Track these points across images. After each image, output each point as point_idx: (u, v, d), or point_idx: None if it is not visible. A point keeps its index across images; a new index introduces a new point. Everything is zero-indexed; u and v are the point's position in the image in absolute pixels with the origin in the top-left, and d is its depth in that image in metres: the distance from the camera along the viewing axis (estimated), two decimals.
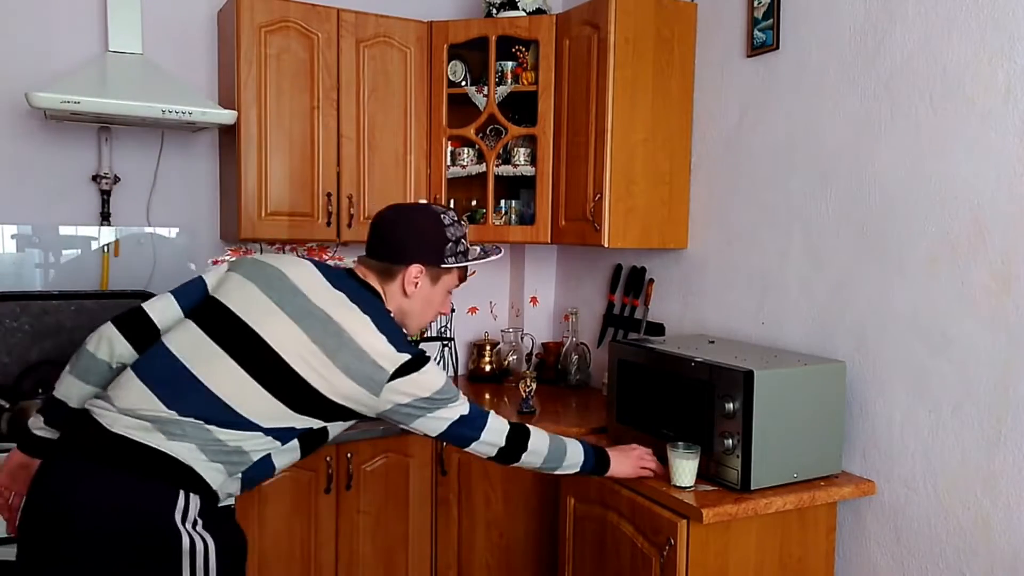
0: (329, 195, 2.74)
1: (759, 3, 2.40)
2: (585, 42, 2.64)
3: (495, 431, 1.80)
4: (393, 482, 2.60)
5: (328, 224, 2.75)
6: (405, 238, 1.76)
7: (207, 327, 1.61)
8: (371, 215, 2.81)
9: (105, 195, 2.70)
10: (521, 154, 2.89)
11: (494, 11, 2.90)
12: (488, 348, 3.24)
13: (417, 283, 1.76)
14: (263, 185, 2.64)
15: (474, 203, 3.17)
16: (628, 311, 2.99)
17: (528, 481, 2.59)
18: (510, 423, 1.84)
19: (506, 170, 2.92)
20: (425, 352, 1.71)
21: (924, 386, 1.97)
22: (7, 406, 2.41)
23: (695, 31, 2.68)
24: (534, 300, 3.43)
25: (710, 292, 2.65)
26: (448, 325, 3.37)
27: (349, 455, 2.50)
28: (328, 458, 2.46)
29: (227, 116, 2.50)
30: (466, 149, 2.97)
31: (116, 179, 2.71)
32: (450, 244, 1.77)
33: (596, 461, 1.95)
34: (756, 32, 2.42)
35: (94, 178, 2.69)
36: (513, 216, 3.05)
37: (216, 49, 2.84)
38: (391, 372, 1.61)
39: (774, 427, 1.95)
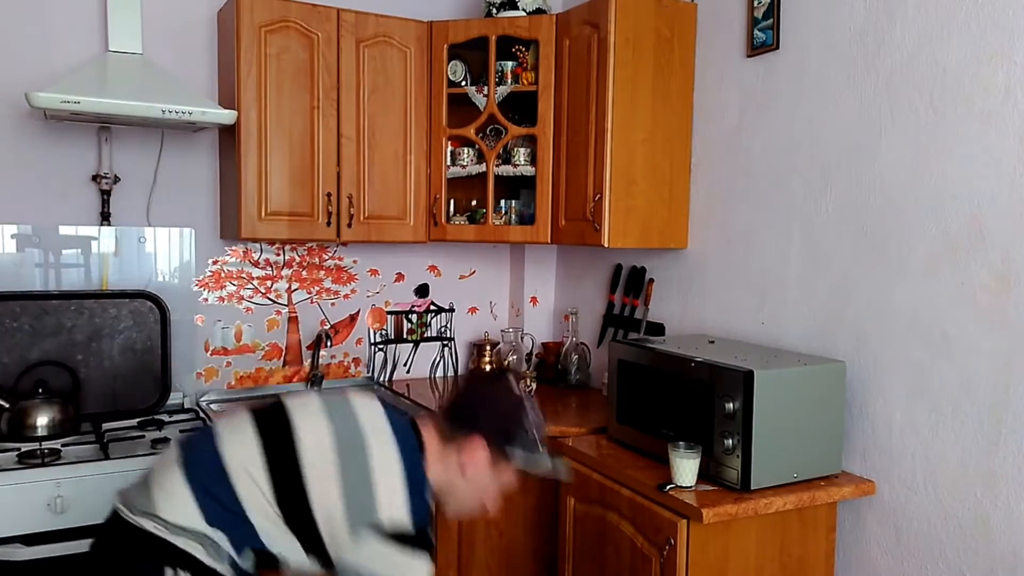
0: (329, 195, 2.74)
1: (759, 3, 2.40)
2: (585, 42, 2.64)
3: None
4: None
5: (328, 224, 2.75)
6: (487, 409, 1.61)
7: (254, 410, 1.60)
8: (371, 215, 2.84)
9: (105, 195, 2.69)
10: (521, 154, 2.89)
11: (494, 11, 2.90)
12: (488, 348, 3.24)
13: (476, 460, 1.58)
14: (263, 185, 2.64)
15: (474, 203, 3.17)
16: (628, 311, 2.99)
17: (528, 482, 2.58)
18: None
19: (506, 170, 2.92)
20: (433, 550, 1.49)
21: (924, 386, 1.97)
22: (7, 406, 2.41)
23: (695, 31, 2.68)
24: (534, 300, 3.43)
25: (710, 292, 2.65)
26: (448, 325, 3.37)
27: None
28: None
29: (227, 116, 2.50)
30: (466, 149, 2.96)
31: (116, 179, 2.71)
32: (523, 434, 1.59)
33: None
34: (756, 32, 2.42)
35: (94, 178, 2.69)
36: (513, 216, 3.05)
37: (216, 49, 2.84)
38: (385, 525, 1.44)
39: (774, 427, 1.95)
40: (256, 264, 2.97)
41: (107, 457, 2.25)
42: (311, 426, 1.52)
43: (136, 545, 1.46)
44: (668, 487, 1.95)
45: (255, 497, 1.46)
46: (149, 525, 1.46)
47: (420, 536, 1.46)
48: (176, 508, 1.46)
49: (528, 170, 2.88)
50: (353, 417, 1.55)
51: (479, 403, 1.63)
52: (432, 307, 3.34)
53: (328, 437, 1.50)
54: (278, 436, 1.51)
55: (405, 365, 3.29)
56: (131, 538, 1.48)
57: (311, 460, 1.47)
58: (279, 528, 1.47)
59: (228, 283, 2.93)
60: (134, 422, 2.58)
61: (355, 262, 3.16)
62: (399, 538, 1.44)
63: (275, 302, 3.02)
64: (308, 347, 3.08)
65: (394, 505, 1.45)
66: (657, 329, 2.85)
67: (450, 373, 3.38)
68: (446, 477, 1.59)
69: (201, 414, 2.68)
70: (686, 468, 1.94)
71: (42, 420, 2.38)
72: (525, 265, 3.41)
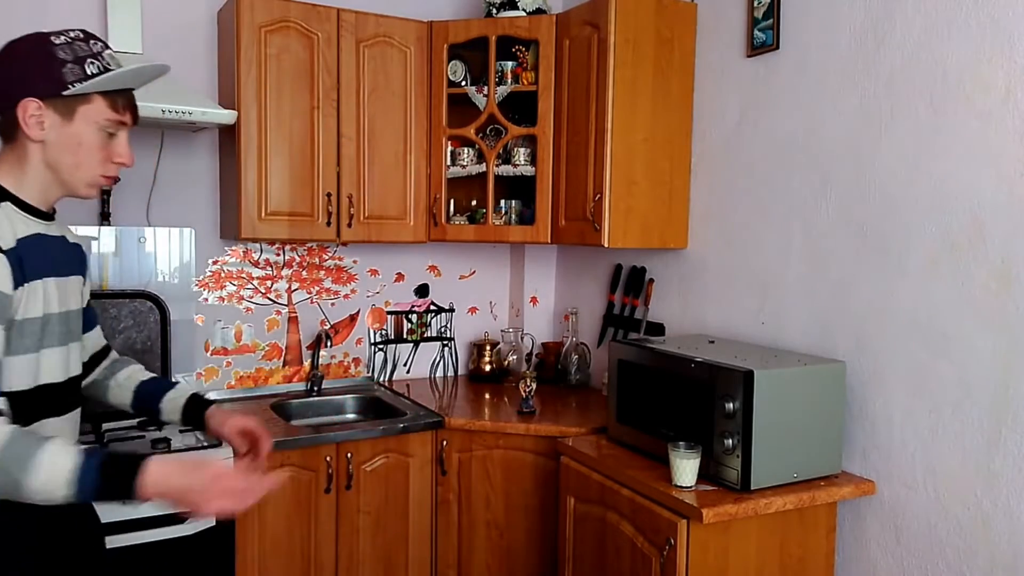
0: (329, 195, 2.74)
1: (759, 3, 2.40)
2: (585, 42, 2.64)
3: None
4: (393, 482, 2.60)
5: (328, 224, 2.75)
6: (6, 73, 1.42)
7: None
8: (371, 215, 2.84)
9: (105, 195, 2.69)
10: (521, 154, 2.89)
11: (494, 11, 2.90)
12: (488, 348, 3.24)
13: (41, 122, 1.40)
14: (263, 185, 2.64)
15: (474, 203, 3.17)
16: (628, 311, 2.99)
17: (528, 481, 2.59)
18: None
19: (506, 170, 2.92)
20: None
21: (924, 386, 1.97)
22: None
23: (695, 31, 2.68)
24: (534, 300, 3.43)
25: (710, 292, 2.65)
26: (448, 325, 3.37)
27: (349, 455, 2.50)
28: (328, 458, 2.46)
29: (227, 116, 2.50)
30: (466, 149, 2.97)
31: (116, 179, 2.70)
32: (69, 65, 1.41)
33: (103, 482, 1.26)
34: (756, 32, 2.42)
35: None
36: (513, 216, 3.05)
37: (216, 49, 2.84)
38: None
39: (774, 427, 1.95)
40: (256, 264, 2.97)
41: None
42: None
43: None
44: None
45: None
46: None
47: None
48: None
49: (528, 170, 2.88)
50: None
51: (5, 71, 1.43)
52: (432, 307, 3.34)
53: None
54: None
55: (405, 365, 3.29)
56: None
57: None
58: None
59: (228, 283, 2.93)
60: (134, 422, 2.57)
61: (355, 262, 3.16)
62: None
63: (275, 302, 3.02)
64: (308, 347, 3.08)
65: None
66: (657, 329, 2.85)
67: (450, 373, 3.38)
68: (39, 162, 1.44)
69: None
70: (686, 468, 1.94)
71: None
72: (525, 265, 3.41)
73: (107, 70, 1.45)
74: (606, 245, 2.59)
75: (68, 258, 1.61)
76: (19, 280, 1.39)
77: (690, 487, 1.94)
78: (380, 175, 2.84)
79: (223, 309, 2.92)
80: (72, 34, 1.46)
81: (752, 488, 1.93)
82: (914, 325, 1.99)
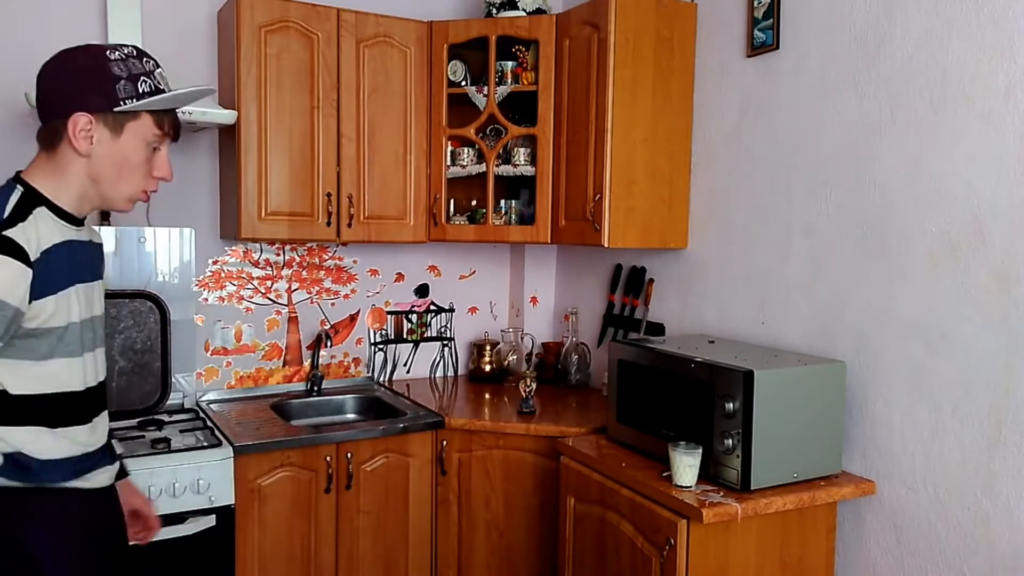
0: (329, 195, 2.74)
1: (759, 3, 2.40)
2: (585, 42, 2.64)
3: None
4: (393, 482, 2.60)
5: (328, 224, 2.75)
6: (60, 84, 1.44)
7: None
8: (371, 215, 2.84)
9: None
10: (521, 154, 2.89)
11: (494, 11, 2.90)
12: (488, 348, 3.24)
13: (91, 136, 1.43)
14: (263, 185, 2.64)
15: (474, 203, 3.17)
16: (628, 311, 2.99)
17: (528, 481, 2.59)
18: None
19: (506, 170, 2.92)
20: (10, 247, 1.34)
21: (924, 386, 1.97)
22: None
23: (695, 31, 2.68)
24: (534, 300, 3.43)
25: (710, 292, 2.65)
26: (448, 325, 3.37)
27: (349, 455, 2.50)
28: (328, 458, 2.46)
29: (227, 116, 2.50)
30: (466, 149, 2.97)
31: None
32: (123, 82, 1.43)
33: None
34: (756, 32, 2.42)
35: None
36: (513, 216, 3.05)
37: (216, 49, 2.84)
38: None
39: (774, 427, 1.95)
40: (256, 264, 2.97)
41: None
42: None
43: None
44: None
45: None
46: None
47: None
48: None
49: (528, 170, 2.88)
50: None
51: (60, 82, 1.45)
52: (432, 307, 3.34)
53: None
54: None
55: (405, 365, 3.29)
56: None
57: None
58: None
59: (228, 283, 2.93)
60: (134, 422, 2.58)
61: (355, 262, 3.16)
62: None
63: (275, 302, 3.02)
64: (308, 347, 3.08)
65: None
66: (657, 329, 2.85)
67: (450, 373, 3.38)
68: (83, 174, 1.46)
69: (201, 414, 2.68)
70: (685, 468, 1.94)
71: None
72: (525, 265, 3.41)
73: (158, 89, 1.48)
74: (606, 245, 2.59)
75: (94, 263, 1.63)
76: (43, 291, 1.40)
77: (690, 487, 1.94)
78: (380, 175, 2.84)
79: (223, 309, 2.92)
80: (126, 50, 1.47)
81: (752, 488, 1.93)
82: (914, 325, 1.99)
